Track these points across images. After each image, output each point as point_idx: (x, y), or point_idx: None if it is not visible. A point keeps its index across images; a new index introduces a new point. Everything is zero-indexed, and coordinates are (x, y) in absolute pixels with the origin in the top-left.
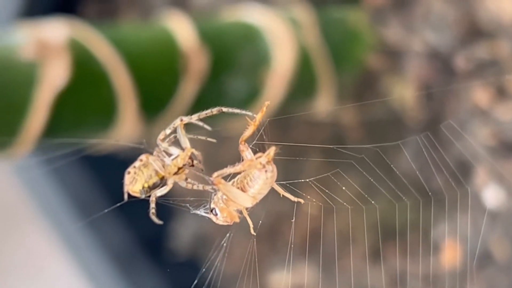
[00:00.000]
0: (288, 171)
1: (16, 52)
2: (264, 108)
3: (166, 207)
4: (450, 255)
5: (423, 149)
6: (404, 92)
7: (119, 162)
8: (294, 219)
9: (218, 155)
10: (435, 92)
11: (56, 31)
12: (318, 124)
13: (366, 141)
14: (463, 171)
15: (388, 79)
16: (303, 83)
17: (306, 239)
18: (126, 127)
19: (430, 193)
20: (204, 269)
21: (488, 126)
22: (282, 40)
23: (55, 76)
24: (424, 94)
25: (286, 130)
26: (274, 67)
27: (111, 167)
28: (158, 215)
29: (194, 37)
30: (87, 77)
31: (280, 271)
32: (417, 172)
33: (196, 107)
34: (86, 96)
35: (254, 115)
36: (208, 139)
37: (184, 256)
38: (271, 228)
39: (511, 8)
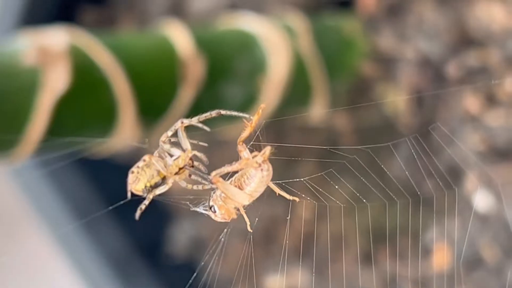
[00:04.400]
0: (283, 173)
1: (18, 59)
2: (260, 111)
3: (163, 211)
4: (441, 258)
5: (414, 155)
6: (396, 99)
7: (116, 166)
8: (289, 216)
9: (216, 158)
10: (426, 99)
11: (57, 38)
12: (312, 130)
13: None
14: (453, 176)
15: (381, 86)
16: (298, 90)
17: (300, 242)
18: (125, 133)
19: (420, 196)
20: (203, 262)
21: (478, 132)
22: (278, 48)
23: (56, 82)
24: (416, 102)
25: (282, 136)
26: (269, 74)
27: (108, 171)
28: (156, 218)
29: (191, 45)
30: (87, 83)
31: (274, 274)
32: (409, 177)
33: (193, 113)
34: (86, 101)
35: (251, 117)
36: (209, 145)
37: (181, 259)
38: (266, 232)
39: (500, 16)
